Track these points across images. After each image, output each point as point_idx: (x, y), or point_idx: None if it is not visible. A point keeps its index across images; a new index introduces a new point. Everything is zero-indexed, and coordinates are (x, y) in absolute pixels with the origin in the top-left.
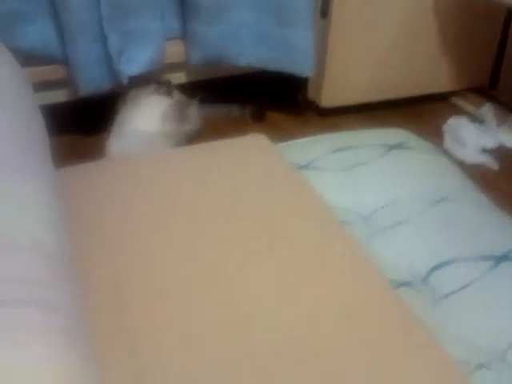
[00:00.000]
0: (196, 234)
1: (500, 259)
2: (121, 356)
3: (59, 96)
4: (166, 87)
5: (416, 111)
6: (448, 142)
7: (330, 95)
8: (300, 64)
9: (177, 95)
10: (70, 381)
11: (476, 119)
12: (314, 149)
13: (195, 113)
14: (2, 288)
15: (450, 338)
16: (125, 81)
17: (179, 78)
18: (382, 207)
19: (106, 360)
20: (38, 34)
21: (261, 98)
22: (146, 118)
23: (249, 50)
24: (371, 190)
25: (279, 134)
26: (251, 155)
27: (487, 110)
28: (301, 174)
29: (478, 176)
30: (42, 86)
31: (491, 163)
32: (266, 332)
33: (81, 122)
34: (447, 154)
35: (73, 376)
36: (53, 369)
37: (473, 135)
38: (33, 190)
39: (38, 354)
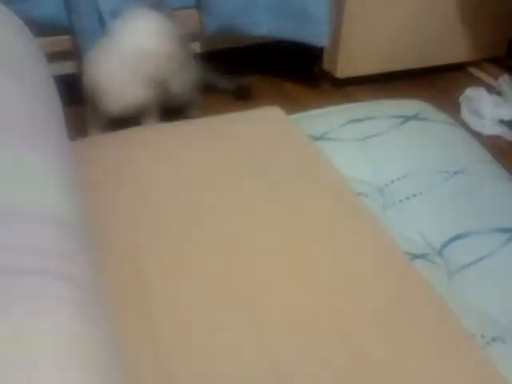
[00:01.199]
0: (211, 204)
1: None
2: (139, 325)
3: (73, 67)
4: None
5: (433, 81)
6: (465, 113)
7: (346, 65)
8: (315, 33)
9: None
10: (84, 351)
11: (493, 90)
12: (329, 120)
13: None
14: (17, 258)
15: (465, 310)
16: None
17: (193, 48)
18: (398, 179)
19: (123, 330)
20: (50, 4)
21: (276, 69)
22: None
23: (264, 19)
24: (387, 161)
25: (294, 105)
26: (266, 127)
27: (504, 81)
28: (316, 146)
29: (495, 148)
30: (55, 56)
31: (508, 135)
32: (280, 302)
33: None
34: (464, 125)
35: (88, 346)
36: (66, 339)
37: (490, 106)
38: (48, 161)
39: (52, 324)
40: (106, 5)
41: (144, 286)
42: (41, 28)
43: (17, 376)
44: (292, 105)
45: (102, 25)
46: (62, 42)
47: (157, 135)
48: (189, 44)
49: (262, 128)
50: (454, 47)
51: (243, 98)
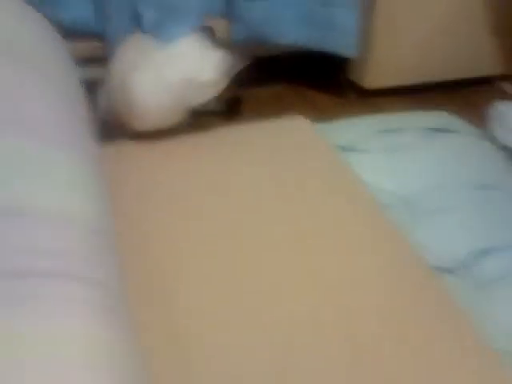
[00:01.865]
0: (232, 210)
1: None
2: (159, 328)
3: (101, 72)
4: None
5: (461, 94)
6: (493, 127)
7: (374, 77)
8: (344, 44)
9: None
10: (108, 354)
11: None
12: (356, 130)
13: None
14: (42, 260)
15: (492, 325)
16: None
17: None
18: (425, 191)
19: (144, 332)
20: (80, 8)
21: (302, 78)
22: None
23: (292, 28)
24: (414, 173)
25: (320, 115)
26: (290, 136)
27: None
28: (340, 156)
29: None
30: (84, 60)
31: None
32: (287, 300)
33: None
34: (492, 138)
35: (111, 349)
36: (89, 342)
37: None
38: (79, 163)
39: (74, 327)
40: (148, 17)
41: (154, 282)
42: (70, 32)
43: (29, 378)
44: (318, 114)
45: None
46: (92, 46)
47: (181, 145)
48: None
49: (286, 137)
50: (484, 60)
51: (232, 115)
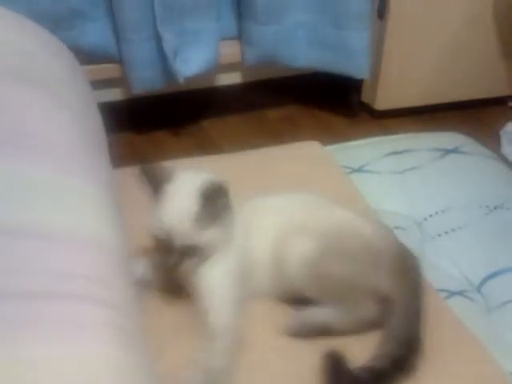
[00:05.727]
0: None
1: None
2: None
3: (117, 94)
4: None
5: (473, 115)
6: (505, 148)
7: (385, 97)
8: (356, 66)
9: None
10: (122, 376)
11: None
12: (368, 152)
13: None
14: (55, 282)
15: (504, 348)
16: (181, 81)
17: (234, 78)
18: (437, 213)
19: None
20: (97, 32)
21: (314, 99)
22: None
23: (304, 51)
24: (425, 195)
25: (332, 136)
26: (303, 161)
27: None
28: (351, 181)
29: None
30: (100, 83)
31: None
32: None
33: (139, 121)
34: (504, 159)
35: (125, 372)
36: (105, 364)
37: None
38: (93, 187)
39: (91, 350)
40: (170, 45)
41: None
42: (88, 55)
43: None
44: (329, 136)
45: (152, 54)
46: (110, 69)
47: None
48: None
49: (299, 161)
50: (495, 81)
51: None
